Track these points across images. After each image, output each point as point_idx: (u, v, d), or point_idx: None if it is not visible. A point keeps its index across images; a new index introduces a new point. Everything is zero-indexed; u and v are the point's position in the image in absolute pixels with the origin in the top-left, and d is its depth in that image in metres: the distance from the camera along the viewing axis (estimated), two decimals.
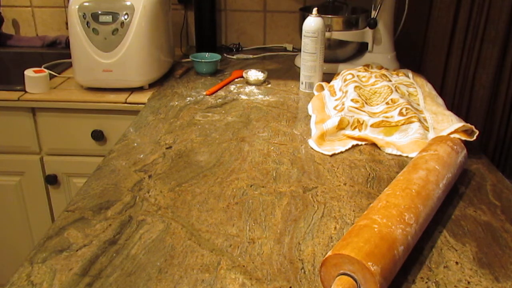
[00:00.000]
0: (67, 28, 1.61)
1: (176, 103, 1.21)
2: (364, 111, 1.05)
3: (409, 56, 1.69)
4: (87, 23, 1.28)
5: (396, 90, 1.13)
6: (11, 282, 0.60)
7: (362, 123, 1.02)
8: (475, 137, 0.92)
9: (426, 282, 0.61)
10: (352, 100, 1.08)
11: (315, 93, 1.27)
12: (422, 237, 0.66)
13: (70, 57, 1.35)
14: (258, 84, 1.35)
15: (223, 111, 1.17)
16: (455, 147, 0.81)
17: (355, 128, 1.02)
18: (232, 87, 1.34)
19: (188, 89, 1.33)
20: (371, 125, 1.01)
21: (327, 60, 1.34)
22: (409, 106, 1.03)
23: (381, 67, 1.35)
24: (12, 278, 0.61)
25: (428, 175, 0.71)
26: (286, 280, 0.61)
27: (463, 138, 0.92)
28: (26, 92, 1.32)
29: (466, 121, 0.97)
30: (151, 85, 1.39)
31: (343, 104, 1.09)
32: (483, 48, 1.63)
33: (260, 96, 1.27)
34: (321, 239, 0.69)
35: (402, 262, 0.59)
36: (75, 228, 0.71)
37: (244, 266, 0.63)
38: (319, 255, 0.65)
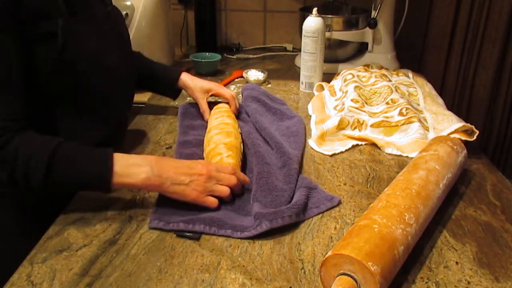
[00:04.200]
0: None
1: (176, 103, 1.21)
2: (364, 111, 1.05)
3: (409, 56, 1.69)
4: None
5: (396, 90, 1.13)
6: (11, 282, 0.60)
7: (362, 123, 1.02)
8: (475, 137, 0.92)
9: (426, 282, 0.61)
10: (352, 100, 1.08)
11: (315, 93, 1.27)
12: (422, 237, 0.66)
13: None
14: (258, 84, 1.35)
15: None
16: (455, 147, 0.81)
17: (355, 128, 1.02)
18: (232, 87, 1.34)
19: None
20: (371, 125, 1.01)
21: (327, 60, 1.34)
22: (409, 106, 1.03)
23: (381, 67, 1.35)
24: (12, 278, 0.61)
25: (428, 175, 0.71)
26: (286, 280, 0.61)
27: (463, 138, 0.92)
28: None
29: (466, 121, 0.97)
30: None
31: (343, 104, 1.09)
32: (483, 48, 1.63)
33: None
34: (321, 239, 0.69)
35: (402, 262, 0.59)
36: (75, 228, 0.71)
37: (244, 266, 0.63)
38: (319, 255, 0.65)
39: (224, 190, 0.74)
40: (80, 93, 0.80)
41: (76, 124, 0.81)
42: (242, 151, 0.90)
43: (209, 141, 0.89)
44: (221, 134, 0.89)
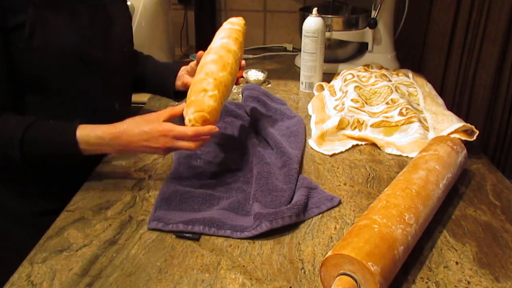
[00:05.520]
0: None
1: (176, 103, 1.21)
2: (364, 111, 1.05)
3: (409, 56, 1.69)
4: None
5: (396, 90, 1.13)
6: (11, 282, 0.60)
7: (362, 123, 1.02)
8: (475, 137, 0.92)
9: (426, 282, 0.61)
10: (352, 100, 1.08)
11: (315, 93, 1.27)
12: (422, 237, 0.66)
13: None
14: (258, 84, 1.35)
15: None
16: (455, 147, 0.81)
17: (355, 128, 1.02)
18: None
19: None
20: (371, 125, 1.01)
21: (327, 60, 1.34)
22: (409, 106, 1.03)
23: (381, 67, 1.35)
24: (12, 278, 0.61)
25: (428, 175, 0.71)
26: (286, 280, 0.61)
27: (463, 138, 0.92)
28: None
29: (466, 121, 0.97)
30: None
31: (343, 104, 1.09)
32: (483, 48, 1.63)
33: None
34: (321, 239, 0.69)
35: (402, 262, 0.59)
36: (75, 228, 0.71)
37: (244, 266, 0.63)
38: (319, 255, 0.65)
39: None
40: (56, 85, 0.80)
41: (55, 116, 0.81)
42: (231, 88, 0.85)
43: (202, 67, 0.82)
44: (217, 64, 0.82)
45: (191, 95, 0.78)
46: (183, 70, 1.01)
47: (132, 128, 0.76)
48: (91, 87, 0.86)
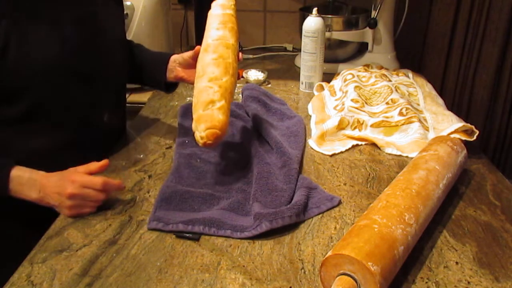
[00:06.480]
0: None
1: (176, 103, 1.21)
2: (364, 111, 1.05)
3: (409, 56, 1.69)
4: None
5: (396, 90, 1.13)
6: (11, 282, 0.60)
7: (362, 123, 1.02)
8: (475, 137, 0.92)
9: (426, 282, 0.61)
10: (352, 100, 1.08)
11: (315, 93, 1.27)
12: (422, 237, 0.66)
13: None
14: (258, 84, 1.35)
15: None
16: (455, 147, 0.81)
17: (355, 128, 1.02)
18: None
19: (188, 89, 1.33)
20: (371, 125, 1.01)
21: (327, 60, 1.34)
22: (409, 106, 1.03)
23: (381, 67, 1.35)
24: (12, 278, 0.61)
25: (428, 175, 0.71)
26: (286, 280, 0.61)
27: (463, 138, 0.92)
28: None
29: (466, 121, 0.97)
30: None
31: (343, 104, 1.09)
32: (483, 48, 1.63)
33: None
34: (321, 239, 0.69)
35: (402, 262, 0.59)
36: (75, 228, 0.71)
37: (244, 266, 0.63)
38: (319, 255, 0.65)
39: (90, 208, 0.74)
40: (39, 97, 0.78)
41: (39, 130, 0.80)
42: (234, 91, 0.83)
43: (204, 69, 0.80)
44: (219, 67, 0.80)
45: (198, 107, 0.78)
46: (175, 61, 0.97)
47: (51, 174, 0.75)
48: (79, 99, 0.84)
